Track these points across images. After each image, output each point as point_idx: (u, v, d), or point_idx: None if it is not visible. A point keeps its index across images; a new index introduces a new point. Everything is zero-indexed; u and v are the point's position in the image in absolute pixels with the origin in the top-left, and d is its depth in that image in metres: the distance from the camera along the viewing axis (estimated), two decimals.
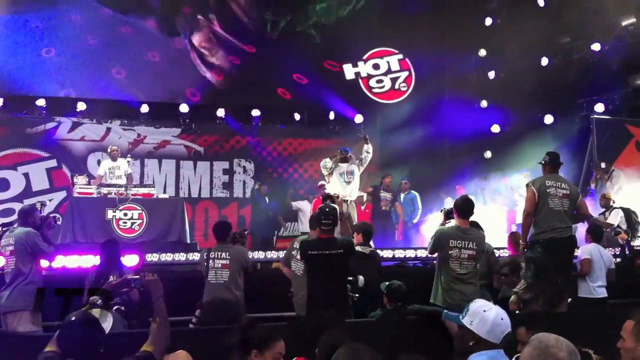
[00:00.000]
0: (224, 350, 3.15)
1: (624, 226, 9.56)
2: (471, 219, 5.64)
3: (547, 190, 6.13)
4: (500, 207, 11.77)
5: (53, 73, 12.45)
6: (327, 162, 9.26)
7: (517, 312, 5.29)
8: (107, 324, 3.17)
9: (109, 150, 10.54)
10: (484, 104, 14.13)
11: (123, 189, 9.45)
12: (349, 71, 14.24)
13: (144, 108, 12.92)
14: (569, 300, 5.71)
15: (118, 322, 4.96)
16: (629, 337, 2.84)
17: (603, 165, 11.30)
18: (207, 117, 13.57)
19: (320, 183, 10.80)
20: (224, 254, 6.15)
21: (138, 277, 3.54)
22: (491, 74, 14.05)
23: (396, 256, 8.87)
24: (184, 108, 13.11)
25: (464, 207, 5.55)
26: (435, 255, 5.64)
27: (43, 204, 8.93)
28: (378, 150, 12.56)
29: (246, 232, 7.80)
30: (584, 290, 6.79)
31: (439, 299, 5.40)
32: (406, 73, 14.46)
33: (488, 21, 13.95)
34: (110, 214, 9.22)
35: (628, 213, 9.77)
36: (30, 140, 12.55)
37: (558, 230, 6.08)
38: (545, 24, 12.36)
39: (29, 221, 6.12)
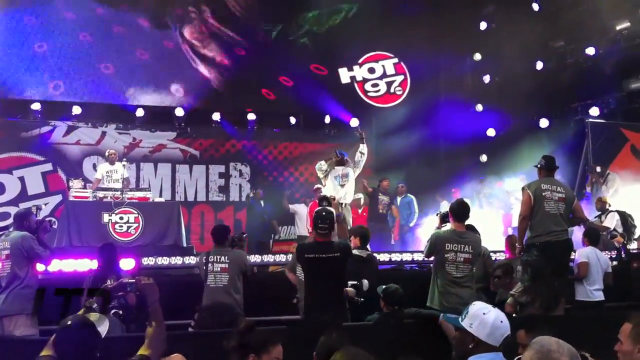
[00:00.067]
0: (222, 354, 3.14)
1: (620, 229, 9.56)
2: (467, 222, 5.63)
3: (543, 194, 6.13)
4: (496, 210, 11.78)
5: (45, 69, 12.54)
6: (322, 165, 9.14)
7: (513, 314, 5.30)
8: (104, 328, 3.14)
9: (106, 153, 10.47)
10: (479, 107, 14.20)
11: (119, 192, 9.44)
12: (344, 75, 14.28)
13: (140, 112, 12.93)
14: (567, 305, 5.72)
15: (115, 326, 4.95)
16: (626, 340, 2.85)
17: (598, 168, 11.35)
18: (202, 121, 13.58)
19: (316, 186, 10.79)
20: (223, 257, 6.10)
21: (134, 280, 3.52)
22: (486, 78, 14.13)
23: (393, 259, 8.85)
24: (179, 112, 13.12)
25: (460, 211, 5.55)
26: (432, 258, 5.64)
27: (39, 208, 8.95)
28: (374, 154, 12.59)
29: (245, 236, 7.71)
30: (582, 294, 6.79)
31: (436, 302, 5.39)
32: (401, 77, 14.53)
33: (483, 25, 14.03)
34: (106, 217, 9.21)
35: (624, 216, 9.80)
36: (26, 144, 12.54)
37: (554, 234, 6.09)
38: (540, 28, 12.42)
39: (25, 225, 6.08)
